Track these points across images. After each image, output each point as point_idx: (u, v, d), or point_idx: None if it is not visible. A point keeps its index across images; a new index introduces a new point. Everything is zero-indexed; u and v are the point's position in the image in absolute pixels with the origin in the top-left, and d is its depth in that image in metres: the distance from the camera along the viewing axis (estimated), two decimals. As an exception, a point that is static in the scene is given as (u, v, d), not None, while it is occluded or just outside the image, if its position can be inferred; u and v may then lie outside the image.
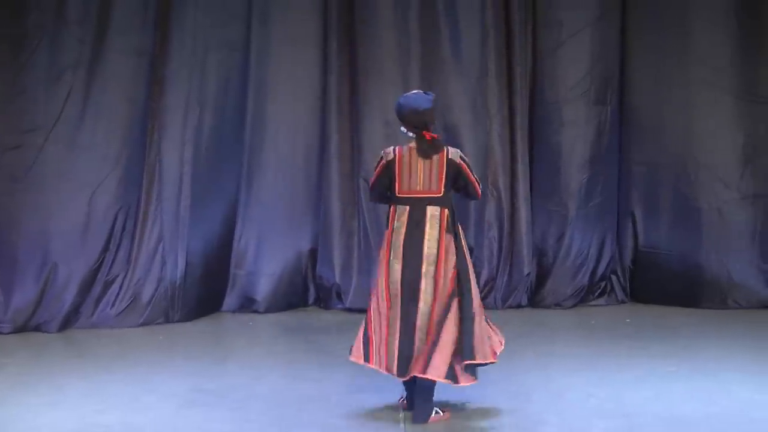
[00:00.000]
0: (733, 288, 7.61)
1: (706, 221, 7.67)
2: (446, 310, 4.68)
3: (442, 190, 4.77)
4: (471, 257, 4.97)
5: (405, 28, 7.71)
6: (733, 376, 5.69)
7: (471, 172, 4.85)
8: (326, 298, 7.76)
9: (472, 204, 7.76)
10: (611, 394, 5.41)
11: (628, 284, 7.98)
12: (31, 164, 6.93)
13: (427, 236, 4.72)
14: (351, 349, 4.97)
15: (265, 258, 7.71)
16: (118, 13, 7.06)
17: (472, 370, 4.73)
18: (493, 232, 7.84)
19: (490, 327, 4.93)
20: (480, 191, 4.89)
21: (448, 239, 4.76)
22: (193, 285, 7.40)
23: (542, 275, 7.93)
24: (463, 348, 4.63)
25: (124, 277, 7.20)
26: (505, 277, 7.83)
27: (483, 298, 7.64)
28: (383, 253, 4.84)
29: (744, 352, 6.29)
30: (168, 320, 7.31)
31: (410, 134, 4.81)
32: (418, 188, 4.77)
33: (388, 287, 4.74)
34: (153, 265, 7.24)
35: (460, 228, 4.88)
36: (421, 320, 4.70)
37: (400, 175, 4.73)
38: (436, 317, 4.69)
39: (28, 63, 6.87)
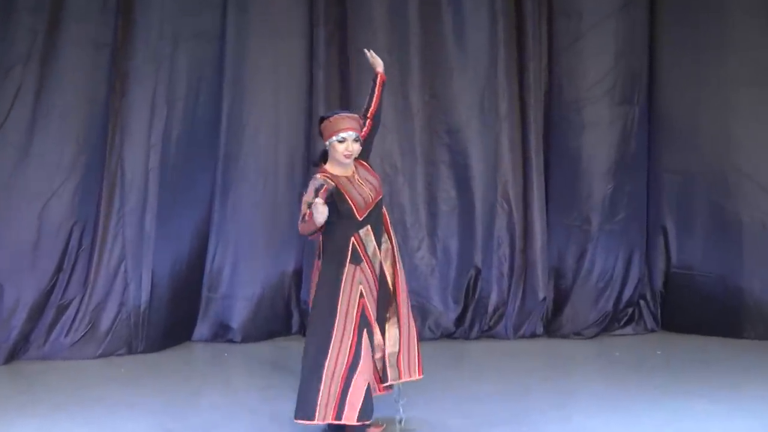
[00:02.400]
0: (780, 315, 7.68)
1: (748, 237, 7.65)
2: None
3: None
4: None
5: (403, 16, 7.77)
6: (778, 417, 5.78)
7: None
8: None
9: (479, 218, 7.86)
10: (638, 438, 5.51)
11: (658, 311, 8.00)
12: (-27, 172, 7.03)
13: None
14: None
15: (243, 280, 7.74)
16: (74, -1, 7.20)
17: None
18: (504, 250, 7.86)
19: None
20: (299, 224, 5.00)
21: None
22: (160, 310, 7.43)
23: (560, 300, 7.95)
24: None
25: (81, 300, 7.24)
26: (517, 303, 7.84)
27: (492, 326, 7.81)
28: None
29: (791, 389, 6.36)
30: (131, 351, 7.34)
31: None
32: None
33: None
34: (113, 288, 7.28)
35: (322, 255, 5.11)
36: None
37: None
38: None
39: (-30, 57, 7.03)
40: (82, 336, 7.22)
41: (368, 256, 5.07)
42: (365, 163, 5.19)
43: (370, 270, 5.10)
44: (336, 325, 4.95)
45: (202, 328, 7.78)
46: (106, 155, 7.25)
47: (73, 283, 7.23)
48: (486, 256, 7.86)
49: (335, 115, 5.05)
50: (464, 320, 7.87)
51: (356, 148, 5.02)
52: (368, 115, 5.31)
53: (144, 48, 7.25)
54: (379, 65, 5.34)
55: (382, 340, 5.16)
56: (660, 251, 7.95)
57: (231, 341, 7.74)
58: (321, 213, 4.72)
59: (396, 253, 5.31)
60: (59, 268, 7.22)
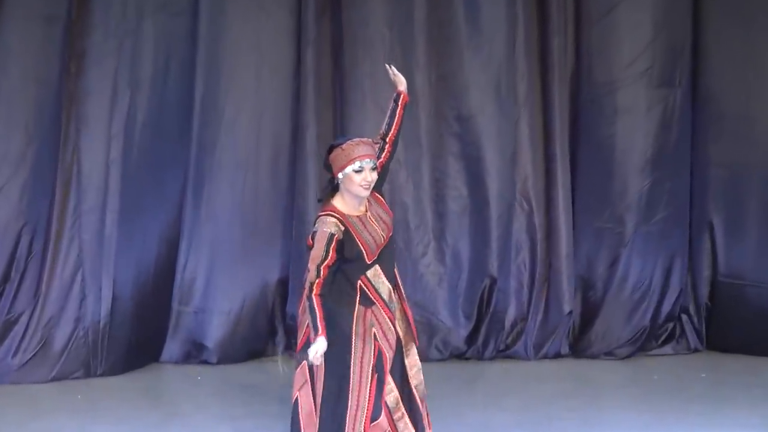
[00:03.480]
0: None
1: (808, 242, 7.75)
2: None
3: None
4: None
5: (405, -15, 7.77)
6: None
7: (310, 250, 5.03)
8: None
9: (494, 219, 7.84)
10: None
11: (703, 327, 8.01)
12: None
13: None
14: None
15: (219, 291, 7.75)
16: (21, -34, 7.20)
17: None
18: (523, 257, 7.89)
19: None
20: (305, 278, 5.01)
21: None
22: (123, 327, 7.42)
23: (588, 314, 7.96)
24: None
25: (31, 315, 7.24)
26: (539, 317, 7.85)
27: (509, 345, 7.86)
28: None
29: None
30: (89, 374, 7.32)
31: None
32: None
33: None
34: (69, 301, 7.28)
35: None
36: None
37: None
38: None
39: None
40: (33, 356, 7.20)
41: (383, 300, 5.06)
42: (379, 196, 5.18)
43: (388, 315, 5.06)
44: (352, 368, 4.96)
45: (171, 347, 7.78)
46: (60, 146, 7.23)
47: (22, 295, 7.23)
48: (502, 263, 7.86)
49: (348, 142, 4.99)
50: (477, 338, 7.87)
51: (374, 177, 4.99)
52: (387, 139, 5.25)
53: (103, 22, 7.24)
54: (401, 83, 5.33)
55: (399, 397, 5.14)
56: (705, 257, 7.97)
57: (205, 362, 7.73)
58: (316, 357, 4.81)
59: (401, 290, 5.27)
60: (6, 278, 7.23)
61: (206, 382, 7.39)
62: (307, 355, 4.81)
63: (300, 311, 5.14)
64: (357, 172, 4.90)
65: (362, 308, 4.98)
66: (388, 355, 5.03)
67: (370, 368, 4.96)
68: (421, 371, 5.15)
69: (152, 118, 7.44)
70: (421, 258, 7.89)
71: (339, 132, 7.79)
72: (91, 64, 7.23)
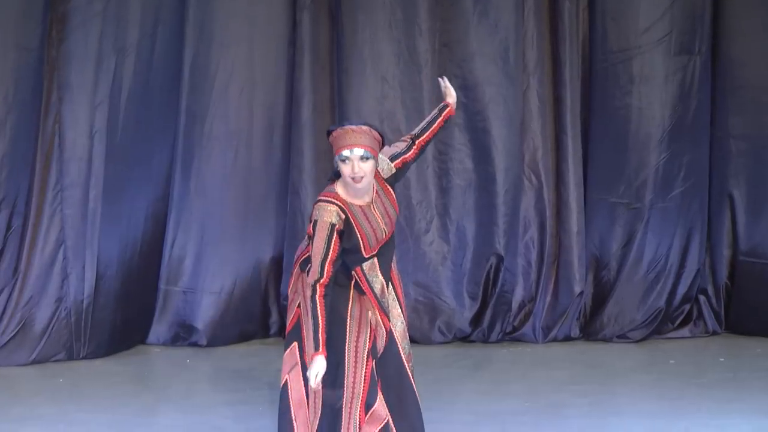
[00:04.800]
0: None
1: (833, 218, 7.79)
2: None
3: None
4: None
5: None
6: None
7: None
8: (294, 326, 7.79)
9: (501, 194, 7.77)
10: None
11: (722, 308, 8.02)
12: None
13: None
14: None
15: (209, 270, 7.74)
16: None
17: None
18: (532, 234, 7.90)
19: None
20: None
21: None
22: (107, 307, 7.40)
23: (601, 295, 7.94)
24: None
25: (10, 294, 7.23)
26: (548, 299, 7.86)
27: (517, 327, 7.92)
28: None
29: None
30: (71, 356, 7.32)
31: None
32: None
33: None
34: (50, 279, 7.27)
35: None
36: None
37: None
38: None
39: None
40: (12, 338, 7.19)
41: (374, 294, 5.02)
42: (391, 190, 5.07)
43: (377, 309, 5.02)
44: (347, 353, 4.94)
45: (159, 329, 7.78)
46: (41, 116, 7.23)
47: (1, 274, 7.20)
48: (509, 241, 7.83)
49: (339, 129, 4.93)
50: (482, 320, 7.86)
51: (367, 168, 4.85)
52: (417, 142, 5.19)
53: (86, -17, 7.14)
54: (451, 96, 5.34)
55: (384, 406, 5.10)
56: (725, 235, 7.97)
57: (195, 345, 7.73)
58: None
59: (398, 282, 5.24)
60: (-17, 257, 7.16)
61: (195, 365, 7.37)
62: (297, 339, 4.81)
63: (290, 290, 5.08)
64: (343, 161, 4.80)
65: (356, 293, 4.95)
66: (381, 344, 4.99)
67: (366, 353, 4.91)
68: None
69: (139, 86, 7.40)
70: (424, 235, 7.89)
71: (337, 102, 7.82)
72: (73, 29, 7.20)
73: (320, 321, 4.74)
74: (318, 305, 4.76)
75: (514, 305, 7.79)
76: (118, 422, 6.10)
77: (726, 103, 7.87)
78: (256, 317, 7.82)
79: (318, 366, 4.69)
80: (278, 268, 7.83)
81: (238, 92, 7.69)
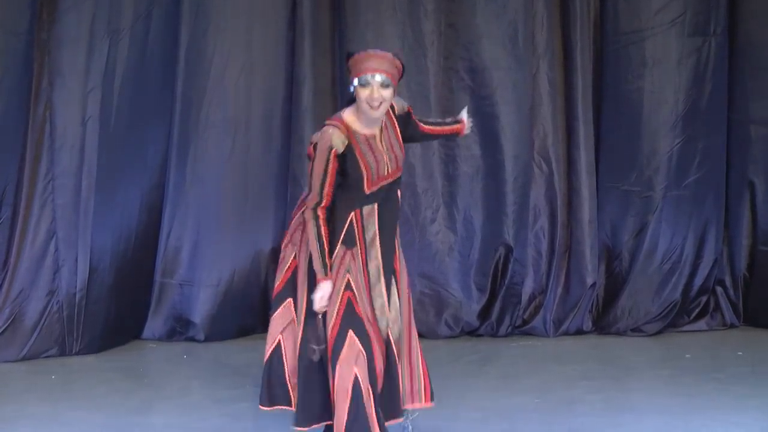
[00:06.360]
0: None
1: None
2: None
3: None
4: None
5: None
6: None
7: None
8: (295, 319, 7.81)
9: (510, 182, 7.78)
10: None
11: (740, 300, 8.02)
12: None
13: None
14: None
15: (207, 262, 7.76)
16: None
17: None
18: (542, 223, 7.90)
19: None
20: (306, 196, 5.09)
21: None
22: (101, 301, 7.41)
23: (614, 287, 7.95)
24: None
25: None
26: (559, 291, 7.87)
27: (526, 320, 7.98)
28: None
29: None
30: (64, 352, 7.34)
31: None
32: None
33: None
34: (41, 272, 7.28)
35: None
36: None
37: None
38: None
39: None
40: (2, 333, 7.21)
41: (364, 243, 5.03)
42: (398, 128, 5.13)
43: (362, 261, 5.03)
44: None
45: (154, 324, 7.81)
46: (31, 102, 7.22)
47: None
48: (519, 230, 7.84)
49: (362, 52, 5.00)
50: (491, 313, 7.87)
51: (387, 95, 4.93)
52: (422, 129, 5.37)
53: (78, -37, 7.13)
54: (466, 120, 5.55)
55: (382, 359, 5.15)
56: (743, 224, 7.96)
57: (192, 340, 7.75)
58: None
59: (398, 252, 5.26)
60: (-29, 248, 7.15)
61: (192, 361, 7.38)
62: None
63: (283, 245, 5.15)
64: (362, 86, 4.86)
65: (342, 248, 4.97)
66: (363, 308, 5.00)
67: (335, 316, 4.95)
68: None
69: (133, 70, 7.40)
70: (430, 225, 7.90)
71: (338, 88, 7.78)
72: (65, 11, 7.19)
73: (325, 244, 4.84)
74: (321, 228, 4.86)
75: (524, 297, 7.80)
76: (113, 421, 6.09)
77: (746, 86, 7.85)
78: (256, 311, 7.80)
79: (325, 289, 4.80)
80: (278, 260, 7.74)
81: (235, 77, 7.71)
